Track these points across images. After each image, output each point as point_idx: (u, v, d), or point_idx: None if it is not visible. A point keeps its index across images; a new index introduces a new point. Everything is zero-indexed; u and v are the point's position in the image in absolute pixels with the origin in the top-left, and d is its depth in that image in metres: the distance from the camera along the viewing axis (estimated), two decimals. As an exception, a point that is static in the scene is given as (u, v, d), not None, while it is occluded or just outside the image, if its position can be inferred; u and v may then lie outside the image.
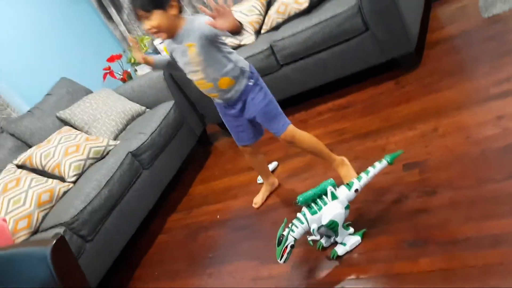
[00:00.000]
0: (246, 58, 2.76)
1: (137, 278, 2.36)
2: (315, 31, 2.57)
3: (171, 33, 1.74)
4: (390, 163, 1.67)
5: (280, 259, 1.60)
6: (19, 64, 3.34)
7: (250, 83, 1.87)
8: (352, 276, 1.57)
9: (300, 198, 1.61)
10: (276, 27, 2.91)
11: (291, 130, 1.93)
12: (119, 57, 3.79)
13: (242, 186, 2.53)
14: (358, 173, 1.77)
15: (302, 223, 1.60)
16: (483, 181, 1.59)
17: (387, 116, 2.30)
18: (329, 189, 1.60)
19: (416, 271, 1.43)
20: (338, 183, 1.68)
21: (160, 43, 3.68)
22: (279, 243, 1.59)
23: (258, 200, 2.25)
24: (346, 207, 1.63)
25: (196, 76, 1.84)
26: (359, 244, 1.66)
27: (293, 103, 2.99)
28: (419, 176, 1.80)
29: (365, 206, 1.81)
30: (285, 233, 1.59)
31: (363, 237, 1.67)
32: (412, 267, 1.45)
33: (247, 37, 2.99)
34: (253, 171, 2.45)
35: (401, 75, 2.56)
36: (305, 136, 1.96)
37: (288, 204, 2.15)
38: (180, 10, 1.73)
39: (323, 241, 1.73)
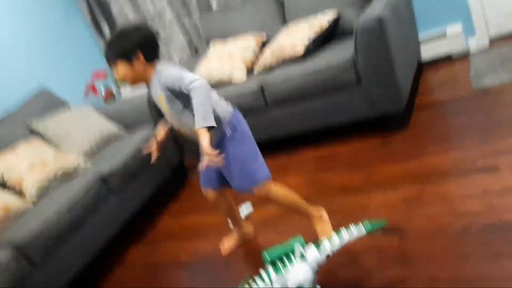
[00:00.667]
0: (235, 96, 2.75)
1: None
2: (308, 80, 2.53)
3: (138, 82, 1.75)
4: (368, 232, 1.53)
5: None
6: (1, 68, 3.22)
7: (228, 134, 1.74)
8: None
9: (267, 255, 1.50)
10: (269, 68, 2.87)
11: (267, 187, 1.80)
12: (104, 75, 3.70)
13: (212, 226, 2.40)
14: (334, 229, 1.67)
15: (264, 281, 1.48)
16: (466, 259, 1.51)
17: (370, 174, 2.24)
18: (298, 248, 1.49)
19: None
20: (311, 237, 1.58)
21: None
22: None
23: (226, 245, 2.13)
24: (315, 272, 1.52)
25: (174, 124, 1.83)
26: None
27: (276, 147, 2.92)
28: (398, 244, 1.72)
29: (338, 269, 1.71)
30: None
31: None
32: None
33: (238, 75, 2.93)
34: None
35: (387, 134, 2.52)
36: (279, 193, 1.84)
37: (256, 257, 2.02)
38: (149, 60, 1.69)
39: None
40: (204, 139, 1.52)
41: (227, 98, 2.80)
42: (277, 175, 2.63)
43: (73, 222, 2.30)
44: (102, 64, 3.89)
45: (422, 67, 3.19)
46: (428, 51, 3.16)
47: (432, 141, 2.28)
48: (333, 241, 1.51)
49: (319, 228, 1.87)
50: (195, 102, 1.55)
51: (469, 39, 3.06)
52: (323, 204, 2.09)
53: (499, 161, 1.91)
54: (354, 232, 1.51)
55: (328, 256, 1.51)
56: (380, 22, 2.25)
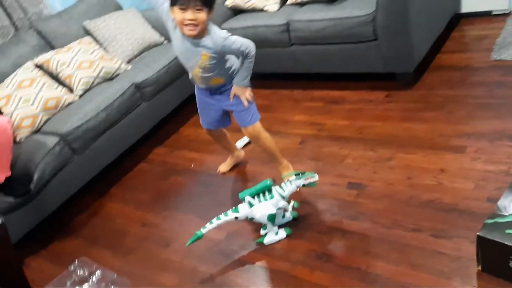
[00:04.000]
0: (262, 27, 2.94)
1: (111, 195, 2.75)
2: (328, 25, 2.67)
3: (200, 32, 1.82)
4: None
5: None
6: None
7: None
8: (260, 263, 1.89)
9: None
10: (300, 3, 2.98)
11: (259, 127, 2.13)
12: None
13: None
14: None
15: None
16: (395, 225, 1.84)
17: (361, 128, 2.49)
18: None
19: (307, 280, 1.74)
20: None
21: None
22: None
23: (223, 168, 2.54)
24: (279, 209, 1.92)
25: (193, 69, 1.99)
26: (283, 238, 1.96)
27: (295, 79, 3.17)
28: (354, 198, 2.05)
29: (301, 207, 2.09)
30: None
31: (289, 233, 1.97)
32: (307, 275, 1.76)
33: (272, 5, 3.07)
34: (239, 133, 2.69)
35: (393, 90, 2.69)
36: (267, 137, 2.17)
37: (250, 181, 2.44)
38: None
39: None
40: (246, 90, 2.02)
41: (255, 27, 3.03)
42: (290, 106, 2.96)
43: (108, 120, 2.78)
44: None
45: (460, 18, 3.16)
46: (469, 3, 3.10)
47: (428, 107, 2.45)
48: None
49: (285, 175, 2.22)
50: (246, 64, 1.94)
51: (512, -1, 2.96)
52: (312, 148, 2.47)
53: (470, 143, 2.10)
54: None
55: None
56: (402, -15, 2.30)
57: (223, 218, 1.90)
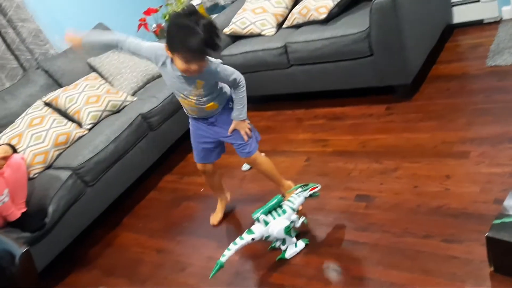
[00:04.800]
0: (261, 51, 3.04)
1: (124, 225, 2.80)
2: (325, 44, 2.75)
3: None
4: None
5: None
6: (63, 1, 3.65)
7: (230, 105, 2.06)
8: (276, 281, 1.92)
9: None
10: (296, 26, 3.08)
11: (256, 155, 2.15)
12: (155, 10, 4.04)
13: (229, 167, 2.86)
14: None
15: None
16: (406, 233, 1.86)
17: (364, 142, 2.54)
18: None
19: (323, 294, 1.77)
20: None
21: (197, 5, 3.87)
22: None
23: (216, 219, 2.43)
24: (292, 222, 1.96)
25: (185, 97, 1.97)
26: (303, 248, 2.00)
27: (297, 99, 3.24)
28: (363, 209, 2.09)
29: (310, 222, 2.12)
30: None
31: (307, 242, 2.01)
32: (322, 289, 1.79)
33: (269, 29, 3.18)
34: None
35: (393, 102, 2.75)
36: (264, 161, 2.20)
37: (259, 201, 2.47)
38: None
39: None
40: (244, 124, 2.06)
41: (254, 51, 3.12)
42: (293, 126, 3.02)
43: (117, 151, 2.84)
44: (153, 2, 4.20)
45: (452, 29, 3.24)
46: (460, 14, 3.18)
47: (428, 117, 2.50)
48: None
49: (288, 191, 2.23)
50: (239, 96, 1.99)
51: (502, 7, 3.03)
52: (319, 164, 2.50)
53: (473, 148, 2.14)
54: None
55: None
56: (394, 2, 2.38)
57: (239, 242, 1.88)
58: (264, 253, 2.07)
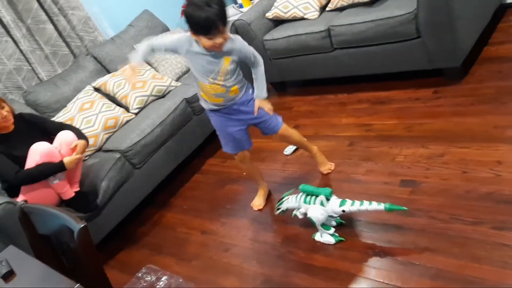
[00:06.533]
0: (304, 34, 3.02)
1: (171, 205, 2.89)
2: (370, 26, 2.69)
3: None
4: (386, 210, 1.80)
5: (276, 211, 2.15)
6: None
7: (250, 92, 2.15)
8: (318, 264, 1.93)
9: (301, 186, 2.00)
10: (340, 9, 3.03)
11: (286, 126, 2.28)
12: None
13: (272, 151, 2.88)
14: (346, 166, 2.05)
15: (296, 201, 2.01)
16: (454, 219, 1.82)
17: (410, 126, 2.48)
18: (321, 197, 1.93)
19: (367, 278, 1.77)
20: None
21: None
22: (279, 202, 2.11)
23: (257, 205, 2.47)
24: (330, 216, 1.96)
25: (212, 81, 2.01)
26: (330, 244, 1.99)
27: (340, 83, 3.20)
28: (409, 195, 2.05)
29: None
30: (284, 199, 2.10)
31: (338, 241, 1.99)
32: (366, 273, 1.79)
33: (312, 12, 3.14)
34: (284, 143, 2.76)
35: (441, 85, 2.66)
36: (294, 132, 2.37)
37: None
38: None
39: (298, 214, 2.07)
40: (266, 101, 2.19)
41: (297, 35, 3.11)
42: (336, 110, 3.01)
43: (163, 135, 2.93)
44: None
45: (505, 9, 3.08)
46: (516, -7, 3.03)
47: (479, 100, 2.41)
48: (354, 204, 1.88)
49: (319, 159, 2.44)
50: (259, 73, 2.11)
51: (562, -16, 2.86)
52: (361, 149, 2.48)
53: (527, 133, 2.06)
54: (374, 206, 1.83)
55: (343, 211, 1.91)
56: (443, -19, 2.30)
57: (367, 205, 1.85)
58: (306, 237, 2.09)
